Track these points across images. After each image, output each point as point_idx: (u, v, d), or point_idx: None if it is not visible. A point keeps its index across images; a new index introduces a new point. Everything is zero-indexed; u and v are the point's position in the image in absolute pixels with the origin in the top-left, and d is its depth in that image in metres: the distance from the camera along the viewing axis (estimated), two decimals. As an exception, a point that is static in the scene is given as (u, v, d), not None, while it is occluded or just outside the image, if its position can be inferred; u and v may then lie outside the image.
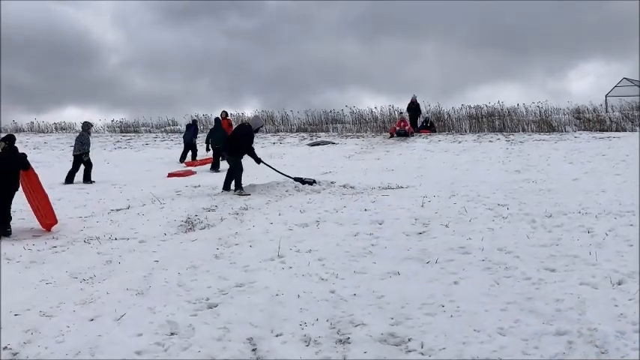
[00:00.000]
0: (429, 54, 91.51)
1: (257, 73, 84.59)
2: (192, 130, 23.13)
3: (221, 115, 22.15)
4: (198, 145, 23.12)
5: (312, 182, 14.56)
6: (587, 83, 77.24)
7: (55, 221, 11.01)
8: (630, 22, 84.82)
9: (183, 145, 23.29)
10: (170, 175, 18.53)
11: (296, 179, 14.69)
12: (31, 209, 10.99)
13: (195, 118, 24.61)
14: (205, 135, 23.07)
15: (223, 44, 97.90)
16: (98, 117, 79.11)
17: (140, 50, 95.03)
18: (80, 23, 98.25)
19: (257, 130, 15.15)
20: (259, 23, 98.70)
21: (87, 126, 18.17)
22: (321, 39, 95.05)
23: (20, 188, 10.80)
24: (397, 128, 26.15)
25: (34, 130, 34.66)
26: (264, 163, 14.89)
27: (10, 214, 10.61)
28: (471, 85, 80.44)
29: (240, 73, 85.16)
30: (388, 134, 26.72)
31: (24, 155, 10.99)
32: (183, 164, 21.78)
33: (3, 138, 11.05)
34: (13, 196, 10.65)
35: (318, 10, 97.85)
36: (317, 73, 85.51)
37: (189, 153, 22.74)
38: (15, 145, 10.98)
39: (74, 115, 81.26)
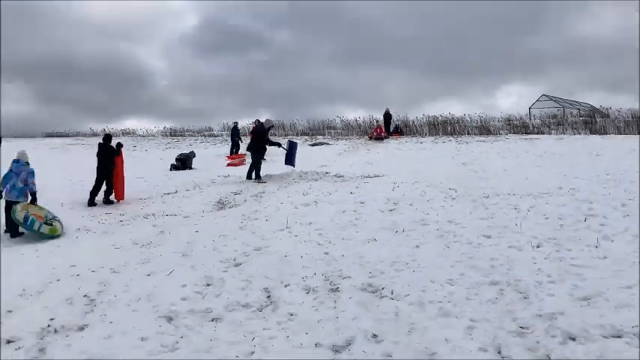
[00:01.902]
0: (397, 77, 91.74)
1: (268, 92, 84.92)
2: (235, 131, 22.92)
3: (255, 122, 21.68)
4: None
5: (291, 155, 14.89)
6: (510, 101, 78.85)
7: (123, 197, 11.66)
8: (541, 54, 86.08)
9: (230, 142, 23.11)
10: (229, 164, 18.78)
11: (285, 147, 15.11)
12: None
13: (236, 122, 24.19)
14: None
15: (243, 70, 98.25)
16: (154, 125, 79.11)
17: (182, 76, 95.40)
18: (137, 55, 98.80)
19: (269, 129, 15.11)
20: (270, 55, 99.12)
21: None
22: (316, 66, 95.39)
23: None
24: (375, 134, 26.03)
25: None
26: (282, 147, 15.16)
27: (100, 188, 11.52)
28: (427, 101, 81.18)
29: (256, 92, 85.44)
30: (368, 137, 26.62)
31: (119, 145, 11.99)
32: (226, 157, 21.56)
33: (103, 137, 12.16)
34: (109, 174, 11.56)
35: (314, 45, 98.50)
36: (312, 92, 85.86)
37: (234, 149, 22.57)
38: (110, 140, 12.00)
39: (134, 124, 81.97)
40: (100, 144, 11.82)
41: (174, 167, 17.84)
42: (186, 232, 8.44)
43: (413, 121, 31.49)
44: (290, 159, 14.83)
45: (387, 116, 28.12)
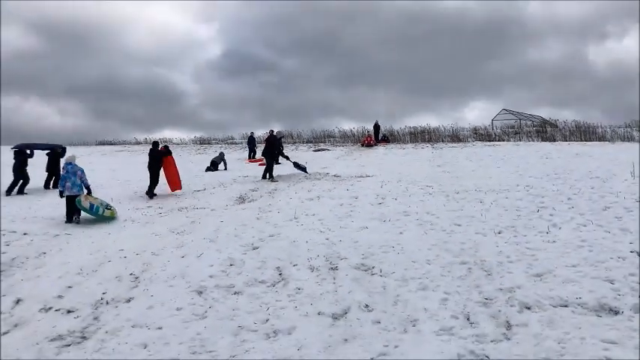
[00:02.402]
0: (383, 95, 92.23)
1: (277, 108, 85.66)
2: (252, 140, 22.85)
3: (270, 131, 21.66)
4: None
5: (304, 168, 14.76)
6: (474, 114, 79.44)
7: (180, 187, 11.96)
8: (500, 76, 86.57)
9: (248, 149, 23.09)
10: (250, 161, 19.05)
11: (294, 163, 15.03)
12: (165, 179, 11.87)
13: (253, 132, 24.16)
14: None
15: (258, 90, 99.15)
16: (186, 135, 79.47)
17: (209, 95, 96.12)
18: (172, 78, 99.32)
19: (281, 139, 15.18)
20: (279, 78, 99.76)
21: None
22: (317, 87, 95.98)
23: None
24: (366, 142, 25.94)
25: (148, 142, 34.34)
26: (290, 160, 15.16)
27: (156, 183, 11.71)
28: (408, 114, 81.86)
29: (268, 108, 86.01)
30: (360, 144, 26.55)
31: (166, 147, 12.29)
32: (246, 161, 21.52)
33: (152, 143, 12.45)
34: (159, 173, 11.75)
35: (315, 69, 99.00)
36: (314, 108, 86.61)
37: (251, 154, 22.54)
38: (158, 146, 12.19)
39: (170, 134, 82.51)
40: (150, 149, 12.06)
41: (208, 169, 17.85)
42: (213, 222, 8.44)
43: (397, 131, 31.42)
44: (298, 166, 15.04)
45: (376, 127, 28.07)
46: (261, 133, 34.23)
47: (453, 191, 10.29)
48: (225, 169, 18.05)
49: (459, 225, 7.59)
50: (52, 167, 12.77)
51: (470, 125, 32.02)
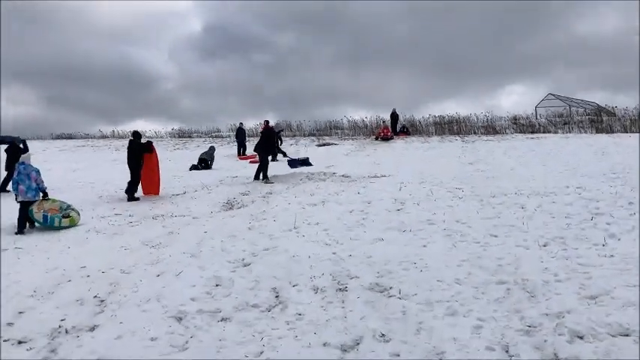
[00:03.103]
0: (399, 78, 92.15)
1: (272, 93, 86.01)
2: (242, 132, 22.86)
3: (264, 123, 21.69)
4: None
5: (304, 161, 14.80)
6: (511, 100, 78.86)
7: (156, 192, 12.14)
8: (542, 54, 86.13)
9: (237, 144, 23.17)
10: (241, 158, 19.39)
11: (289, 161, 15.17)
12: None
13: (242, 122, 24.15)
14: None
15: (247, 73, 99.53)
16: (162, 126, 79.69)
17: (188, 78, 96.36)
18: (145, 59, 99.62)
19: (279, 132, 15.21)
20: (273, 57, 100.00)
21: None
22: (318, 68, 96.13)
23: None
24: (382, 134, 25.95)
25: (115, 136, 34.55)
26: (287, 156, 15.17)
27: (138, 182, 11.95)
28: (431, 101, 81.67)
29: (260, 94, 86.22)
30: (374, 137, 26.54)
31: (149, 142, 12.42)
32: (238, 158, 21.60)
33: (132, 133, 12.57)
34: (140, 171, 11.93)
35: (315, 47, 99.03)
36: (315, 94, 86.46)
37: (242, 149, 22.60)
38: (140, 137, 12.53)
39: (142, 125, 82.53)
40: (130, 141, 12.25)
41: (195, 167, 17.85)
42: (195, 233, 8.45)
43: (419, 121, 31.49)
44: (296, 162, 14.99)
45: (394, 116, 28.11)
46: (252, 124, 34.36)
47: (487, 195, 10.27)
48: (210, 167, 18.09)
49: (496, 236, 7.57)
50: (12, 164, 12.83)
51: (508, 114, 32.09)
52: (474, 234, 7.71)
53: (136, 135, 12.50)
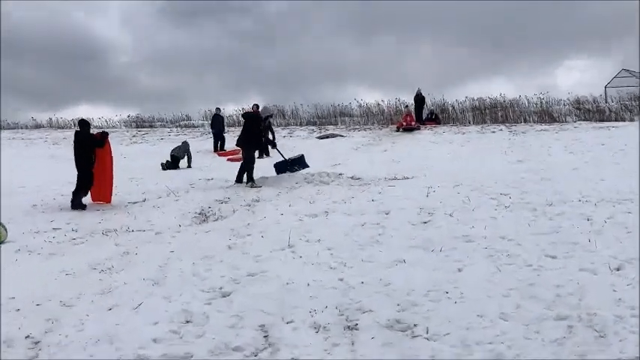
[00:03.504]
0: (424, 50, 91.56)
1: (258, 69, 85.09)
2: (219, 120, 22.89)
3: (253, 107, 21.67)
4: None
5: (298, 160, 14.73)
6: (571, 78, 77.73)
7: (108, 199, 12.27)
8: (610, 22, 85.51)
9: (212, 136, 23.16)
10: (220, 154, 19.83)
11: (276, 166, 14.97)
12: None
13: (219, 108, 24.22)
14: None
15: (227, 43, 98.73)
16: (114, 113, 79.59)
17: (146, 50, 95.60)
18: (90, 26, 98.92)
19: (267, 118, 15.15)
20: (259, 23, 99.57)
21: None
22: (318, 37, 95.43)
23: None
24: (404, 124, 25.95)
25: (53, 126, 34.71)
26: (278, 150, 15.12)
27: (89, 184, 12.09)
28: (467, 80, 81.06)
29: (243, 71, 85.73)
30: (396, 127, 26.49)
31: (103, 133, 12.43)
32: (215, 154, 21.69)
33: (79, 123, 12.84)
34: (91, 169, 12.02)
35: (314, 9, 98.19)
36: (315, 70, 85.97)
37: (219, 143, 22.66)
38: (89, 126, 12.80)
39: (88, 111, 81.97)
40: (76, 132, 12.33)
41: (167, 166, 18.05)
42: (159, 253, 8.44)
43: (452, 106, 31.51)
44: (282, 166, 14.85)
45: (419, 99, 28.14)
46: (232, 110, 34.37)
47: (543, 202, 10.26)
48: (189, 165, 18.27)
49: (554, 257, 7.56)
50: None
51: (569, 96, 32.03)
52: (524, 254, 7.69)
53: (84, 124, 12.63)
